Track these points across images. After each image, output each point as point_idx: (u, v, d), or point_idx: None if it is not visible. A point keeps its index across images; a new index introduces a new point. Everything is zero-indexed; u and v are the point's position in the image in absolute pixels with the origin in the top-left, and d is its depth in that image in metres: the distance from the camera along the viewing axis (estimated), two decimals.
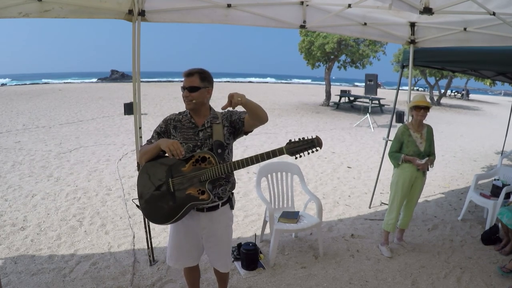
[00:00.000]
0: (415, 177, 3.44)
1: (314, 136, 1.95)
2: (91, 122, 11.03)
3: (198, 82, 2.05)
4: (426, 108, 3.34)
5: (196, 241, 2.27)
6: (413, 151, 3.40)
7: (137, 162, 3.09)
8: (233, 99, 1.83)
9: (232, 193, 2.25)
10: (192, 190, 2.01)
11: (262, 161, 1.95)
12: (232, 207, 2.26)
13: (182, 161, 2.02)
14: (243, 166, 1.97)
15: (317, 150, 1.94)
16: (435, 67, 5.65)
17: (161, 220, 2.09)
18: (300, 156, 1.94)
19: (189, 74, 2.06)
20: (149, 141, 2.17)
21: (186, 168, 2.02)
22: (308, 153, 1.94)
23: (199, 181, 2.00)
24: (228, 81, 46.97)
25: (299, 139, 1.94)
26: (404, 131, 3.45)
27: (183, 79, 2.09)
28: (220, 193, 2.13)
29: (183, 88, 2.07)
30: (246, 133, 2.19)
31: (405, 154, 3.41)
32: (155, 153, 2.07)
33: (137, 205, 2.17)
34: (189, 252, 2.29)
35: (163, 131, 2.15)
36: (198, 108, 2.11)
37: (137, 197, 2.17)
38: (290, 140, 1.95)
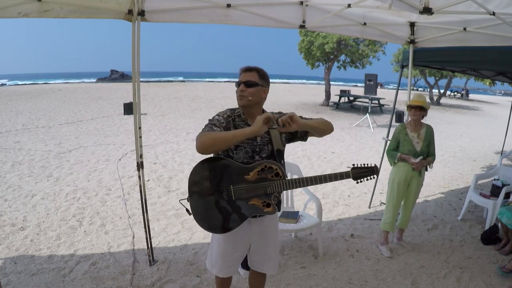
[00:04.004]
0: (411, 177, 3.45)
1: (373, 164, 2.01)
2: (90, 122, 11.02)
3: (257, 78, 1.94)
4: (419, 108, 3.34)
5: (245, 249, 2.16)
6: (408, 150, 3.41)
7: (137, 163, 3.09)
8: (287, 127, 1.80)
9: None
10: (256, 201, 1.90)
11: (329, 181, 1.95)
12: (279, 209, 2.16)
13: (245, 168, 1.89)
14: (309, 184, 1.92)
15: (373, 178, 2.00)
16: (435, 67, 5.66)
17: (219, 228, 1.95)
18: (361, 181, 1.99)
19: (247, 69, 1.97)
20: (210, 128, 1.88)
21: (250, 177, 1.88)
22: (367, 179, 1.98)
23: (265, 193, 1.90)
24: (228, 81, 46.97)
25: (362, 165, 1.99)
26: (401, 130, 3.47)
27: (239, 76, 1.99)
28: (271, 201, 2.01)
29: (239, 83, 1.95)
30: (305, 140, 2.11)
31: (401, 152, 3.43)
32: (232, 144, 1.84)
33: (187, 209, 1.99)
34: (235, 261, 2.17)
35: (224, 128, 1.92)
36: (252, 110, 1.97)
37: (183, 198, 2.04)
38: (353, 165, 1.99)
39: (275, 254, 2.25)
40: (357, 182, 2.00)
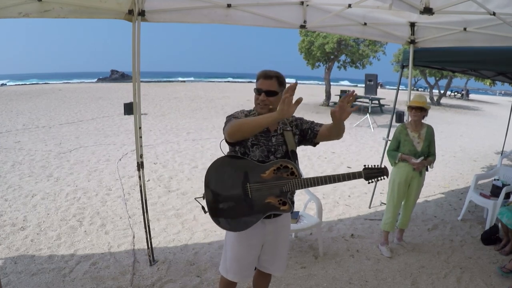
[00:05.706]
0: (411, 177, 3.45)
1: (384, 166, 2.07)
2: (91, 122, 11.02)
3: (276, 87, 1.94)
4: (419, 109, 3.34)
5: (258, 252, 2.15)
6: (409, 150, 3.41)
7: (138, 163, 3.09)
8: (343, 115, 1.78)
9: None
10: (272, 199, 1.93)
11: (343, 181, 1.98)
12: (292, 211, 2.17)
13: (262, 166, 1.92)
14: (323, 184, 1.95)
15: (383, 179, 2.04)
16: (435, 67, 5.66)
17: (234, 226, 1.96)
18: (372, 182, 2.03)
19: (267, 76, 1.94)
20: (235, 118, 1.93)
21: (267, 175, 1.91)
22: (377, 180, 2.04)
23: (281, 191, 1.93)
24: (229, 81, 46.99)
25: (373, 166, 2.05)
26: (401, 130, 3.47)
27: (257, 81, 1.96)
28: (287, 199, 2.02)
29: (259, 90, 1.94)
30: (314, 145, 2.12)
31: (401, 153, 3.43)
32: (258, 128, 1.83)
33: (202, 207, 2.02)
34: (250, 265, 2.16)
35: None
36: (269, 113, 1.93)
37: (198, 196, 2.05)
38: (365, 166, 2.04)
39: (284, 255, 2.26)
40: (369, 182, 2.05)
